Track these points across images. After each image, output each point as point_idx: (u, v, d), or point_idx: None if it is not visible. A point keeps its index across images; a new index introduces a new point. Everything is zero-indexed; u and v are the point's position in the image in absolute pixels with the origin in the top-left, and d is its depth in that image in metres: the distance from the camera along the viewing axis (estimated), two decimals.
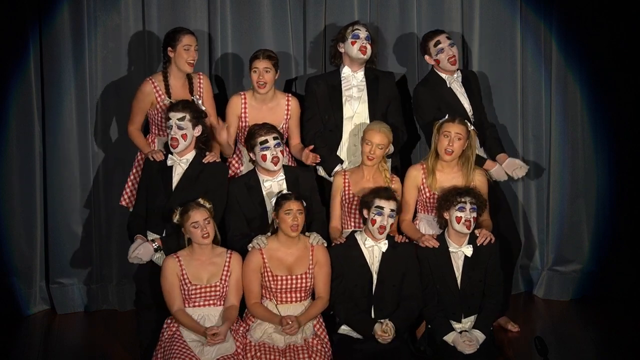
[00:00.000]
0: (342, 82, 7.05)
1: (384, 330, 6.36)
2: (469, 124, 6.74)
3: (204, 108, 6.83)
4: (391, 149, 6.90)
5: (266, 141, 6.61)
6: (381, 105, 7.04)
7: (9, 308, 7.43)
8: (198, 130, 6.62)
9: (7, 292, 7.44)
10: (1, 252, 7.43)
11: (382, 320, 6.40)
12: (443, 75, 7.05)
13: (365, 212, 6.51)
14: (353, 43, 6.96)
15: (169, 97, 6.86)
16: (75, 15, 7.32)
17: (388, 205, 6.44)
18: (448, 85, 7.05)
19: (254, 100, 6.96)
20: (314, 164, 6.91)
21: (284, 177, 6.71)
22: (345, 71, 7.07)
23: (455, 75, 7.07)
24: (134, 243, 6.51)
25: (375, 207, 6.44)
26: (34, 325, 7.35)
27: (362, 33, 6.97)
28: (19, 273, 7.48)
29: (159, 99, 6.89)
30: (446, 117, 6.75)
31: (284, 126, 6.96)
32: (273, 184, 6.67)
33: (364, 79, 7.06)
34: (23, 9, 7.26)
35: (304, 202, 6.44)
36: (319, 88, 7.05)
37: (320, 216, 6.75)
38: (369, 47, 6.98)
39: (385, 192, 6.49)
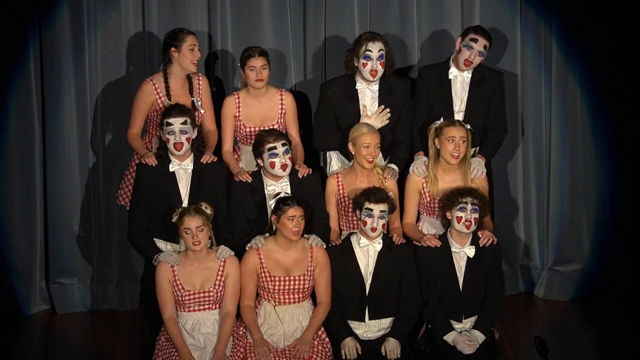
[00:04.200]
0: (359, 94, 7.00)
1: (391, 351, 6.36)
2: (465, 125, 6.72)
3: (203, 111, 6.84)
4: None
5: (275, 147, 6.55)
6: (392, 117, 6.99)
7: (9, 308, 7.43)
8: (195, 133, 6.61)
9: (7, 292, 7.44)
10: (1, 252, 7.43)
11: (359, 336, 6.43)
12: (452, 68, 7.01)
13: (358, 212, 6.51)
14: (364, 65, 6.85)
15: (169, 99, 6.85)
16: (75, 15, 7.32)
17: (377, 208, 6.42)
18: (449, 77, 7.03)
19: (248, 97, 6.94)
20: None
21: (288, 182, 6.67)
22: (360, 85, 6.98)
23: (465, 73, 7.01)
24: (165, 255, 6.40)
25: (365, 209, 6.44)
26: (34, 325, 7.35)
27: (375, 53, 6.84)
28: (19, 273, 7.48)
29: (159, 100, 6.88)
30: (441, 120, 6.73)
31: (280, 121, 6.94)
32: (276, 188, 6.63)
33: (377, 92, 6.99)
34: (23, 9, 7.25)
35: (305, 206, 6.42)
36: (335, 95, 6.96)
37: (323, 221, 6.70)
38: (380, 68, 6.86)
39: (375, 195, 6.46)
